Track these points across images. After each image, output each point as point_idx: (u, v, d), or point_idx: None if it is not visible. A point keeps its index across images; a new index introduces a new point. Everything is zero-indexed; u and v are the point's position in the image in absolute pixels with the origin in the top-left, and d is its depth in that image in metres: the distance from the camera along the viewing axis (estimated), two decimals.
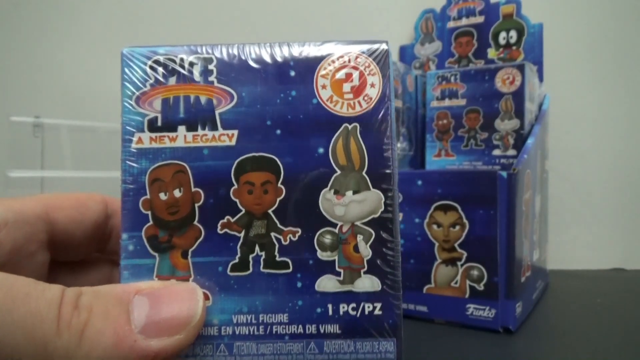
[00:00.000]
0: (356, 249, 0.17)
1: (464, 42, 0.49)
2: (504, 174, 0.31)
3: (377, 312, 0.17)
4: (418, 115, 0.46)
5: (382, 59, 0.18)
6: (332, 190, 0.17)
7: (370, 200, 0.17)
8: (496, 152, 0.40)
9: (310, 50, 0.18)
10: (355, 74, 0.18)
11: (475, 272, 0.33)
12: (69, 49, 0.56)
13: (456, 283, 0.33)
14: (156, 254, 0.17)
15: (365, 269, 0.17)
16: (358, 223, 0.17)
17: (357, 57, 0.18)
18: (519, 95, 0.39)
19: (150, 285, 0.15)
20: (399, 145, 0.42)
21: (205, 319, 0.16)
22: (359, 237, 0.17)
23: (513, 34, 0.46)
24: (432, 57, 0.51)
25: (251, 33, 0.56)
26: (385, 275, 0.17)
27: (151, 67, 0.17)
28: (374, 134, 0.17)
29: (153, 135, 0.17)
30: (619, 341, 0.30)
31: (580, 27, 0.53)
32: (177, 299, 0.15)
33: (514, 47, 0.46)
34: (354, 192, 0.17)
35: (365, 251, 0.17)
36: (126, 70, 0.17)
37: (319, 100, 0.18)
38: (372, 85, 0.18)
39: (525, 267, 0.35)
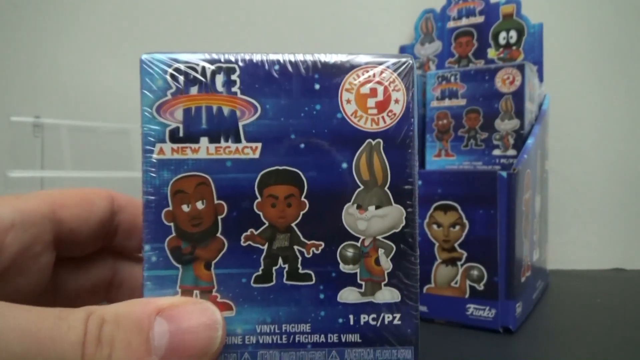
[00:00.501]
0: (377, 262, 0.18)
1: (464, 42, 0.49)
2: (504, 174, 0.31)
3: (396, 322, 0.18)
4: (418, 115, 0.46)
5: (406, 75, 0.18)
6: (355, 205, 0.18)
7: (392, 215, 0.18)
8: (496, 152, 0.40)
9: (335, 63, 0.18)
10: (380, 89, 0.18)
11: (475, 272, 0.33)
12: (69, 49, 0.56)
13: (456, 283, 0.33)
14: (179, 265, 0.17)
15: (386, 281, 0.18)
16: (380, 237, 0.18)
17: (382, 72, 0.18)
18: (519, 95, 0.39)
19: (170, 302, 0.15)
20: None
21: (227, 333, 0.17)
22: (381, 251, 0.18)
23: (513, 34, 0.46)
24: (432, 57, 0.51)
25: (251, 33, 0.56)
26: (405, 287, 0.18)
27: (172, 76, 0.17)
28: (396, 150, 0.18)
29: (175, 146, 0.17)
30: (619, 341, 0.30)
31: (580, 27, 0.53)
32: (196, 328, 0.15)
33: (514, 47, 0.46)
34: (377, 207, 0.18)
35: (387, 264, 0.18)
36: (145, 78, 0.17)
37: (344, 114, 0.18)
38: (396, 101, 0.18)
39: (525, 267, 0.35)
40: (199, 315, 0.16)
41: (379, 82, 0.18)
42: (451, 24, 0.49)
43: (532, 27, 0.46)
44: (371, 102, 0.18)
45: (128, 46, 0.56)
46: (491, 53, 0.47)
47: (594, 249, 0.53)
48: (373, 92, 0.18)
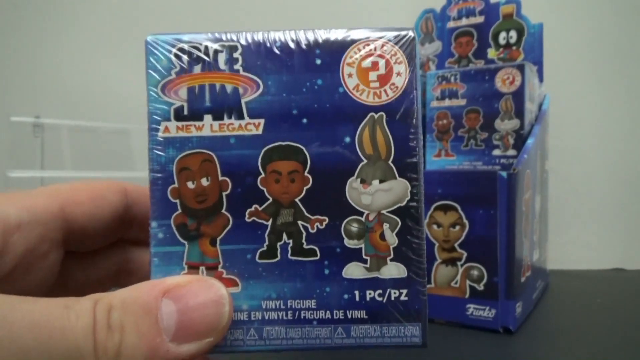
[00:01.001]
0: (382, 237, 0.17)
1: (464, 42, 0.49)
2: (504, 174, 0.31)
3: (403, 297, 0.17)
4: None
5: (408, 47, 0.18)
6: (359, 179, 0.17)
7: (396, 189, 0.17)
8: (496, 152, 0.40)
9: (336, 38, 0.18)
10: (382, 62, 0.18)
11: (475, 272, 0.33)
12: (69, 50, 0.56)
13: (456, 283, 0.33)
14: (185, 242, 0.17)
15: (392, 256, 0.17)
16: (384, 211, 0.17)
17: (383, 45, 0.18)
18: (519, 95, 0.39)
19: (176, 282, 0.15)
20: None
21: (234, 308, 0.17)
22: (385, 226, 0.17)
23: (513, 34, 0.46)
24: (432, 57, 0.51)
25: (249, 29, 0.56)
26: (411, 262, 0.17)
27: (176, 55, 0.17)
28: (400, 123, 0.17)
29: (179, 124, 0.17)
30: (619, 341, 0.30)
31: (580, 27, 0.53)
32: (203, 305, 0.15)
33: (514, 47, 0.46)
34: (381, 181, 0.17)
35: (392, 239, 0.17)
36: (150, 58, 0.17)
37: (345, 89, 0.17)
38: (399, 74, 0.18)
39: (525, 267, 0.35)
40: (205, 292, 0.16)
41: (380, 55, 0.18)
42: (451, 24, 0.49)
43: (532, 27, 0.45)
44: (373, 76, 0.17)
45: (128, 46, 0.56)
46: (491, 53, 0.47)
47: (594, 249, 0.53)
48: (375, 66, 0.17)
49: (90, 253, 0.21)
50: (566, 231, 0.53)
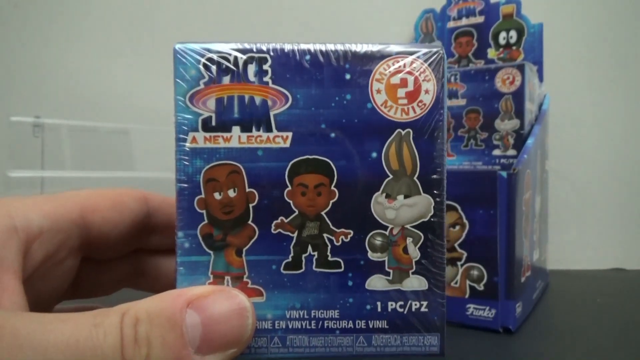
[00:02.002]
0: (405, 250, 0.18)
1: (464, 42, 0.49)
2: (504, 174, 0.31)
3: (423, 309, 0.18)
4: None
5: (437, 65, 0.18)
6: (384, 194, 0.18)
7: (420, 205, 0.18)
8: (496, 152, 0.40)
9: (366, 53, 0.18)
10: (410, 80, 0.18)
11: (475, 272, 0.33)
12: (69, 49, 0.56)
13: (456, 283, 0.33)
14: (211, 252, 0.17)
15: (414, 269, 0.18)
16: (408, 226, 0.18)
17: (412, 63, 0.18)
18: (519, 95, 0.39)
19: (199, 293, 0.16)
20: None
21: (257, 318, 0.17)
22: (409, 240, 0.18)
23: (513, 34, 0.46)
24: None
25: (251, 35, 0.56)
26: (432, 276, 0.18)
27: (205, 66, 0.17)
28: (426, 140, 0.18)
29: (207, 135, 0.17)
30: (619, 341, 0.30)
31: (580, 27, 0.53)
32: (227, 316, 0.16)
33: (514, 47, 0.46)
34: (405, 197, 0.18)
35: (415, 253, 0.18)
36: (179, 67, 0.17)
37: (374, 104, 0.18)
38: (427, 92, 0.18)
39: (525, 267, 0.35)
40: (228, 303, 0.16)
41: (409, 72, 0.18)
42: (451, 24, 0.49)
43: (532, 27, 0.46)
44: (401, 92, 0.18)
45: (129, 46, 0.56)
46: (491, 53, 0.47)
47: (594, 249, 0.53)
48: (403, 82, 0.18)
49: (105, 260, 0.21)
50: (566, 231, 0.53)
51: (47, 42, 0.56)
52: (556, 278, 0.47)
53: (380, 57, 0.18)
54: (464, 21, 0.48)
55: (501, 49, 0.47)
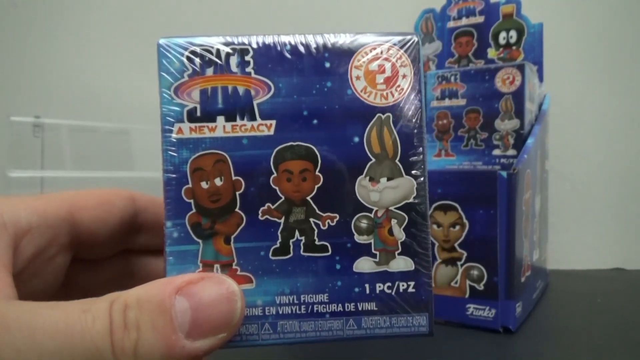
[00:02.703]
0: (390, 232, 0.18)
1: (464, 42, 0.49)
2: (504, 174, 0.31)
3: (410, 289, 0.18)
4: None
5: (413, 51, 0.18)
6: (368, 178, 0.18)
7: (403, 186, 0.18)
8: (496, 152, 0.40)
9: (344, 43, 0.18)
10: (388, 66, 0.18)
11: (475, 272, 0.33)
12: (70, 49, 0.56)
13: (456, 283, 0.33)
14: (200, 240, 0.18)
15: (400, 250, 0.18)
16: (392, 208, 0.18)
17: (389, 49, 0.18)
18: (519, 95, 0.39)
19: (188, 280, 0.16)
20: None
21: (247, 305, 0.17)
22: (393, 221, 0.18)
23: (513, 34, 0.46)
24: (432, 57, 0.51)
25: (250, 31, 0.56)
26: (417, 256, 0.18)
27: (188, 58, 0.18)
28: (405, 123, 0.18)
29: (193, 125, 0.18)
30: (619, 341, 0.30)
31: (580, 27, 0.53)
32: (216, 301, 0.16)
33: (514, 47, 0.46)
34: (388, 179, 0.18)
35: (400, 234, 0.18)
36: (163, 60, 0.18)
37: (354, 91, 0.18)
38: (404, 77, 0.18)
39: (525, 267, 0.35)
40: (216, 288, 0.16)
41: (386, 59, 0.18)
42: (451, 24, 0.49)
43: (532, 27, 0.45)
44: (380, 78, 0.18)
45: (129, 46, 0.56)
46: (491, 53, 0.47)
47: (594, 249, 0.53)
48: (381, 69, 0.18)
49: (95, 260, 0.22)
50: (566, 231, 0.53)
51: (47, 42, 0.56)
52: (556, 278, 0.46)
53: (358, 45, 0.18)
54: (464, 21, 0.48)
55: (501, 49, 0.47)
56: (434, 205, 0.34)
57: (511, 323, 0.32)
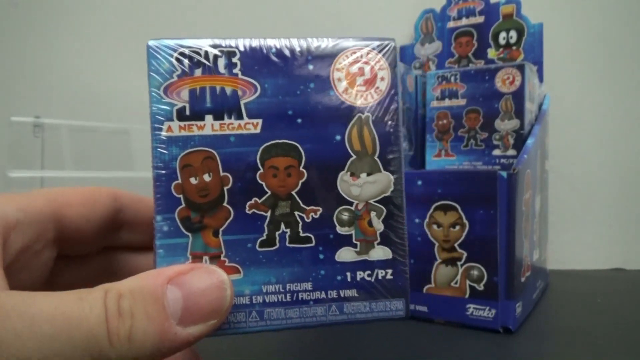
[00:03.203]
0: (370, 223, 0.19)
1: (464, 42, 0.49)
2: (504, 174, 0.31)
3: (388, 276, 0.19)
4: (418, 115, 0.46)
5: (390, 55, 0.20)
6: (349, 173, 0.19)
7: (381, 181, 0.19)
8: (496, 152, 0.40)
9: (327, 46, 0.19)
10: (367, 68, 0.20)
11: (475, 272, 0.33)
12: (70, 50, 0.56)
13: (456, 283, 0.33)
14: (189, 234, 0.18)
15: (378, 240, 0.19)
16: (371, 201, 0.19)
17: (368, 53, 0.20)
18: (519, 95, 0.39)
19: (178, 270, 0.16)
20: None
21: (235, 294, 0.18)
22: (372, 213, 0.19)
23: (513, 34, 0.46)
24: (432, 57, 0.51)
25: (251, 33, 0.56)
26: (395, 245, 0.19)
27: (177, 59, 0.18)
28: (383, 122, 0.19)
29: (182, 123, 0.18)
30: (619, 341, 0.30)
31: (580, 27, 0.53)
32: (206, 289, 0.16)
33: (514, 47, 0.46)
34: (368, 174, 0.19)
35: (378, 225, 0.19)
36: (153, 61, 0.18)
37: (335, 92, 0.19)
38: (382, 79, 0.20)
39: (525, 267, 0.35)
40: (206, 277, 0.17)
41: (365, 62, 0.20)
42: (451, 24, 0.49)
43: (532, 27, 0.46)
44: (360, 80, 0.19)
45: (128, 46, 0.56)
46: (491, 53, 0.47)
47: (594, 249, 0.53)
48: (361, 71, 0.19)
49: (78, 257, 0.22)
50: (566, 231, 0.53)
51: (47, 42, 0.56)
52: (556, 278, 0.47)
53: (339, 49, 0.19)
54: (464, 21, 0.49)
55: (501, 49, 0.47)
56: (434, 205, 0.34)
57: (511, 323, 0.32)
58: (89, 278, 0.23)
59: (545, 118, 0.42)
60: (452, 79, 0.42)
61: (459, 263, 0.33)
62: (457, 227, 0.33)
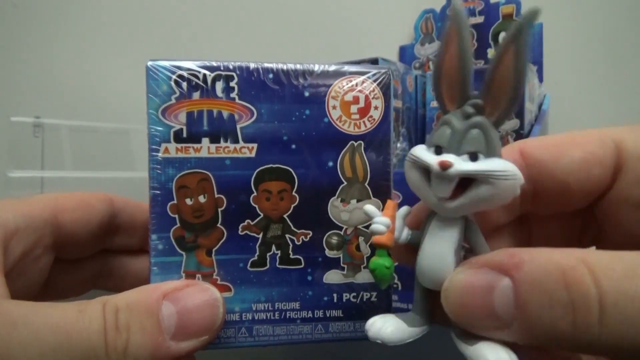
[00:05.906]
0: (358, 248, 0.20)
1: None
2: None
3: (373, 299, 0.20)
4: (418, 115, 0.46)
5: (384, 84, 0.20)
6: (339, 199, 0.20)
7: None
8: None
9: (323, 73, 0.20)
10: (362, 97, 0.20)
11: None
12: (70, 50, 0.56)
13: None
14: (183, 253, 0.19)
15: (365, 264, 0.20)
16: (360, 226, 0.20)
17: (363, 82, 0.20)
18: None
19: (174, 286, 0.17)
20: (398, 145, 0.42)
21: (226, 310, 0.19)
22: (360, 239, 0.20)
23: None
24: (432, 57, 0.51)
25: (251, 32, 0.56)
26: None
27: (175, 82, 0.19)
28: (375, 150, 0.20)
29: (179, 145, 0.19)
30: None
31: (580, 27, 0.53)
32: (200, 306, 0.17)
33: None
34: (358, 201, 0.20)
35: (366, 250, 0.20)
36: (151, 83, 0.19)
37: (330, 119, 0.20)
38: (376, 108, 0.20)
39: None
40: (200, 295, 0.17)
41: (360, 91, 0.20)
42: None
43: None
44: (354, 109, 0.20)
45: (129, 47, 0.56)
46: (491, 53, 0.47)
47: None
48: (355, 100, 0.20)
49: (74, 260, 0.22)
50: None
51: (47, 42, 0.57)
52: None
53: (335, 76, 0.20)
54: None
55: None
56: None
57: None
58: (84, 281, 0.23)
59: (545, 118, 0.42)
60: None
61: None
62: None
